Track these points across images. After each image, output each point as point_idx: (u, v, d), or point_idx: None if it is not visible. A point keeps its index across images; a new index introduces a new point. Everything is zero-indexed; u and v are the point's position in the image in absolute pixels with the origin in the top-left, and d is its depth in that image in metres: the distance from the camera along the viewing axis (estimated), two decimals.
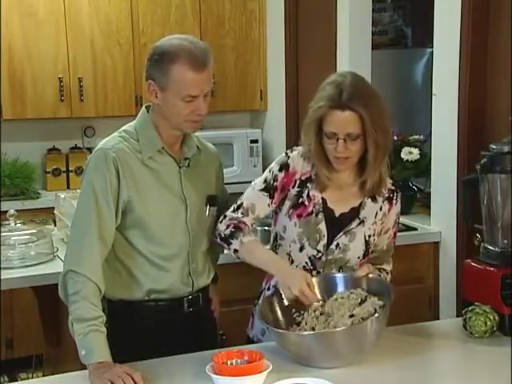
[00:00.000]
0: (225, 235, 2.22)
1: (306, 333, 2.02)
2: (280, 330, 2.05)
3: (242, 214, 2.25)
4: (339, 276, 2.22)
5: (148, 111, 2.25)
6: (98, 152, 2.18)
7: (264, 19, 4.98)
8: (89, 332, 1.98)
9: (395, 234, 2.39)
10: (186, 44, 2.13)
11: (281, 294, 2.14)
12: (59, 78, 4.54)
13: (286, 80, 4.76)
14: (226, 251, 2.37)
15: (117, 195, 2.13)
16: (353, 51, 4.03)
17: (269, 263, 2.18)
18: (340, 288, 2.17)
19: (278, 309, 2.15)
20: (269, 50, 5.00)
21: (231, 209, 2.27)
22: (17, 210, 3.21)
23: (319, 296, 2.11)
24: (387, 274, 2.39)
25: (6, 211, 3.17)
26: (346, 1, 4.00)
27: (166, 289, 2.23)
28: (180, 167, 2.24)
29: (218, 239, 2.25)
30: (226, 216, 2.25)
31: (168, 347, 2.16)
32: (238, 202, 2.28)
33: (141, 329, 2.23)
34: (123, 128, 2.26)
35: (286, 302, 2.12)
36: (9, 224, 3.10)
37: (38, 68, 4.51)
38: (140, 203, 2.16)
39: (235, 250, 2.20)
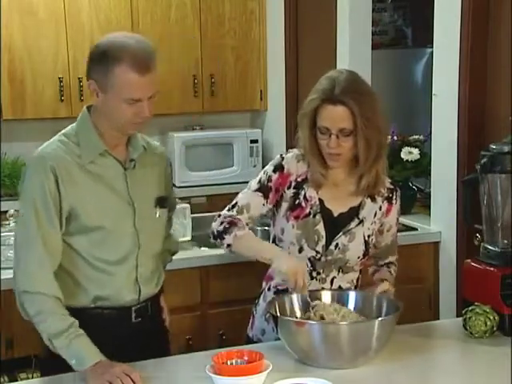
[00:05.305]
0: (218, 231, 2.21)
1: (316, 322, 2.03)
2: (290, 318, 2.04)
3: (236, 212, 2.25)
4: (352, 293, 2.23)
5: (90, 111, 2.12)
6: (34, 160, 2.06)
7: (264, 19, 4.98)
8: (70, 341, 1.94)
9: (397, 229, 2.42)
10: (129, 44, 2.00)
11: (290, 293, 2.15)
12: (59, 78, 4.54)
13: (286, 80, 4.76)
14: (221, 251, 2.36)
15: (58, 204, 2.03)
16: (353, 51, 4.02)
17: (263, 249, 2.17)
18: (351, 304, 2.18)
19: (286, 306, 2.14)
20: (269, 50, 5.00)
21: (226, 208, 2.27)
22: (17, 210, 3.19)
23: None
24: (395, 266, 2.44)
25: (6, 211, 3.16)
26: (345, 1, 4.00)
27: (110, 294, 2.12)
28: (125, 169, 2.13)
29: (212, 237, 2.23)
30: (220, 215, 2.25)
31: (117, 357, 1.99)
32: (233, 202, 2.28)
33: (89, 337, 2.03)
34: (63, 131, 2.14)
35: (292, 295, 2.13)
36: (9, 224, 3.09)
37: (38, 68, 4.51)
38: (83, 210, 2.05)
39: (228, 245, 2.19)
